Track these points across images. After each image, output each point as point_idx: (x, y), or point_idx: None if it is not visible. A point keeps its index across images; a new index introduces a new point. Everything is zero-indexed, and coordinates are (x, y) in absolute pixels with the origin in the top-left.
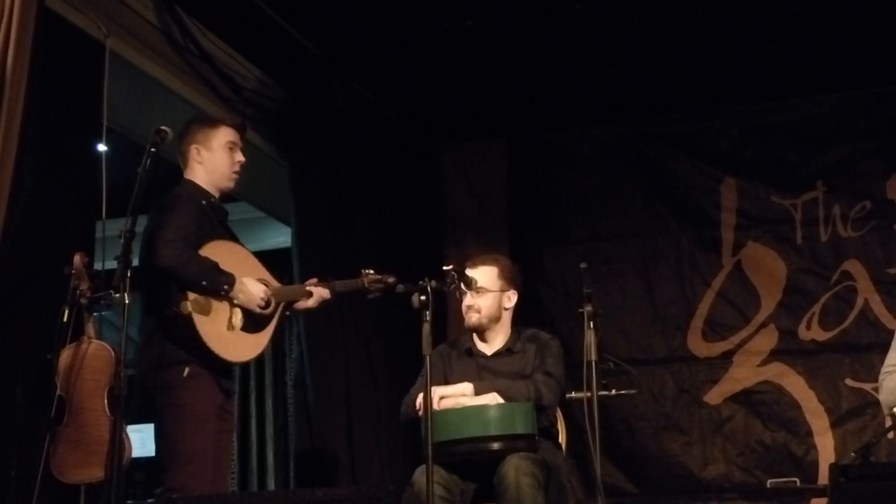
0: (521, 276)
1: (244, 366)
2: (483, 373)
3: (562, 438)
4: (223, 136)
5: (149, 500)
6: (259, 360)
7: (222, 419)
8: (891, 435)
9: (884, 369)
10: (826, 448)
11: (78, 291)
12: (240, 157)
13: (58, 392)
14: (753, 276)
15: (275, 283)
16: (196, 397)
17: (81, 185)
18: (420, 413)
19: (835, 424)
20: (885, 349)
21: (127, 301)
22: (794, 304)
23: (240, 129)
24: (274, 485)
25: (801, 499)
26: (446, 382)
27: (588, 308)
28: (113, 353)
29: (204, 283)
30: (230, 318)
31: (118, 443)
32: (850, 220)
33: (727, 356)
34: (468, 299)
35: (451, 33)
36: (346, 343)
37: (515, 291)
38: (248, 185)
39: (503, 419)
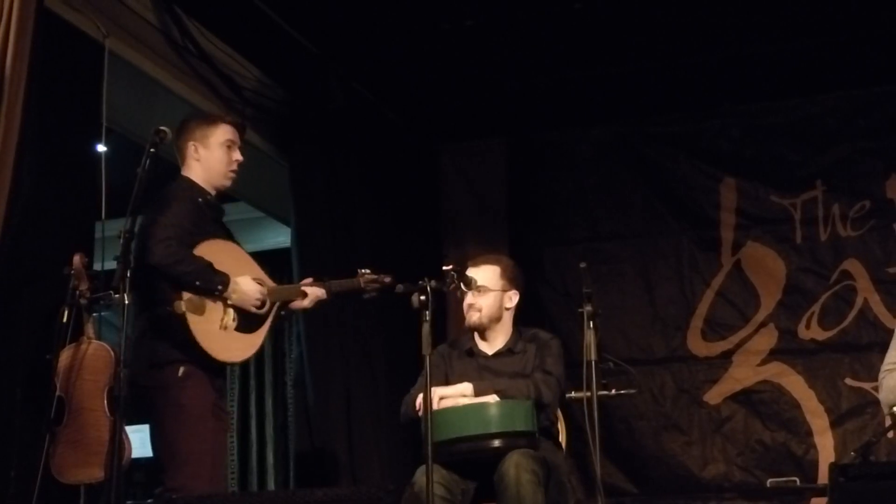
0: (522, 277)
1: (243, 365)
2: (484, 373)
3: (562, 438)
4: (221, 133)
5: (148, 501)
6: (259, 360)
7: (218, 418)
8: (891, 434)
9: (883, 368)
10: (826, 447)
11: (77, 292)
12: (237, 155)
13: (57, 392)
14: (753, 276)
15: (270, 283)
16: (192, 397)
17: (81, 186)
18: (420, 413)
19: (834, 424)
20: (884, 348)
21: (126, 301)
22: (793, 304)
23: (239, 128)
24: (274, 485)
25: (800, 498)
26: (447, 382)
27: (588, 308)
28: (112, 353)
29: (198, 283)
30: (223, 318)
31: (118, 443)
32: (850, 220)
33: (727, 356)
34: (469, 298)
35: (451, 33)
36: (345, 343)
37: (517, 292)
38: (247, 185)
39: (503, 417)
